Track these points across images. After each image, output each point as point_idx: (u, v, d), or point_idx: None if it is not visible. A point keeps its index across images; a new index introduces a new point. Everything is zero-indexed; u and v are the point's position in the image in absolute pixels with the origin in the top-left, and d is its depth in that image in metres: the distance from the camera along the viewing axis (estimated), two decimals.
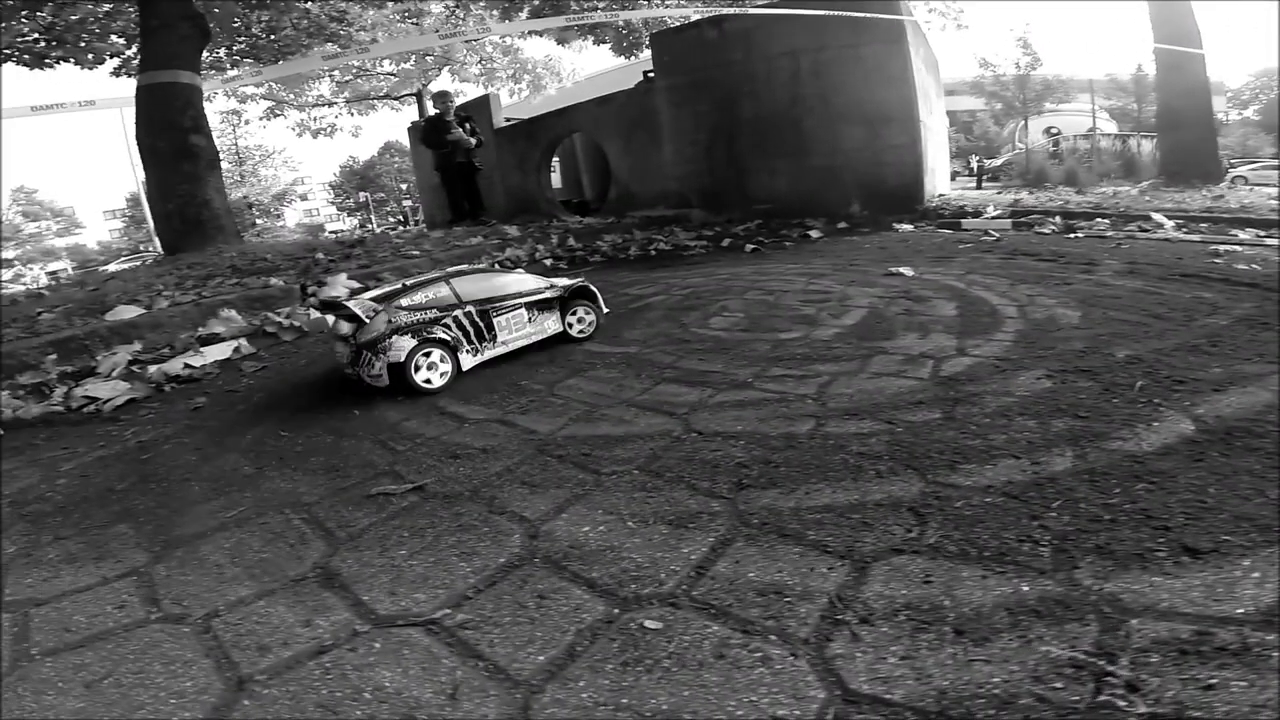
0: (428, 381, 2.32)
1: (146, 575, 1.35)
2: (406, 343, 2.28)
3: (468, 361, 2.45)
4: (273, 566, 1.32)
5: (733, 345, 2.59)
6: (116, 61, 11.68)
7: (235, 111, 28.67)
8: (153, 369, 3.09)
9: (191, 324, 3.84)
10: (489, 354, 2.53)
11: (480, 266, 3.44)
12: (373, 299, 2.39)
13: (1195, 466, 1.39)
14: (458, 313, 2.43)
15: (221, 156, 7.60)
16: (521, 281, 2.68)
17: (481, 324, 2.49)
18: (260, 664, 1.04)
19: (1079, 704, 0.83)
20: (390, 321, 2.30)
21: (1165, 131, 11.95)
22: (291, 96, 23.41)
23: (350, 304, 2.31)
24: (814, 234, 6.24)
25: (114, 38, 10.92)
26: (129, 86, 7.54)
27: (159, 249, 8.56)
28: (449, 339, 2.39)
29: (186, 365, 3.18)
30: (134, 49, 10.83)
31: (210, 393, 2.77)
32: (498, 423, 2.00)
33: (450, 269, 2.74)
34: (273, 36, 13.22)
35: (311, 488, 1.68)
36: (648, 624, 1.05)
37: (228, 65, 14.15)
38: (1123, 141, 16.49)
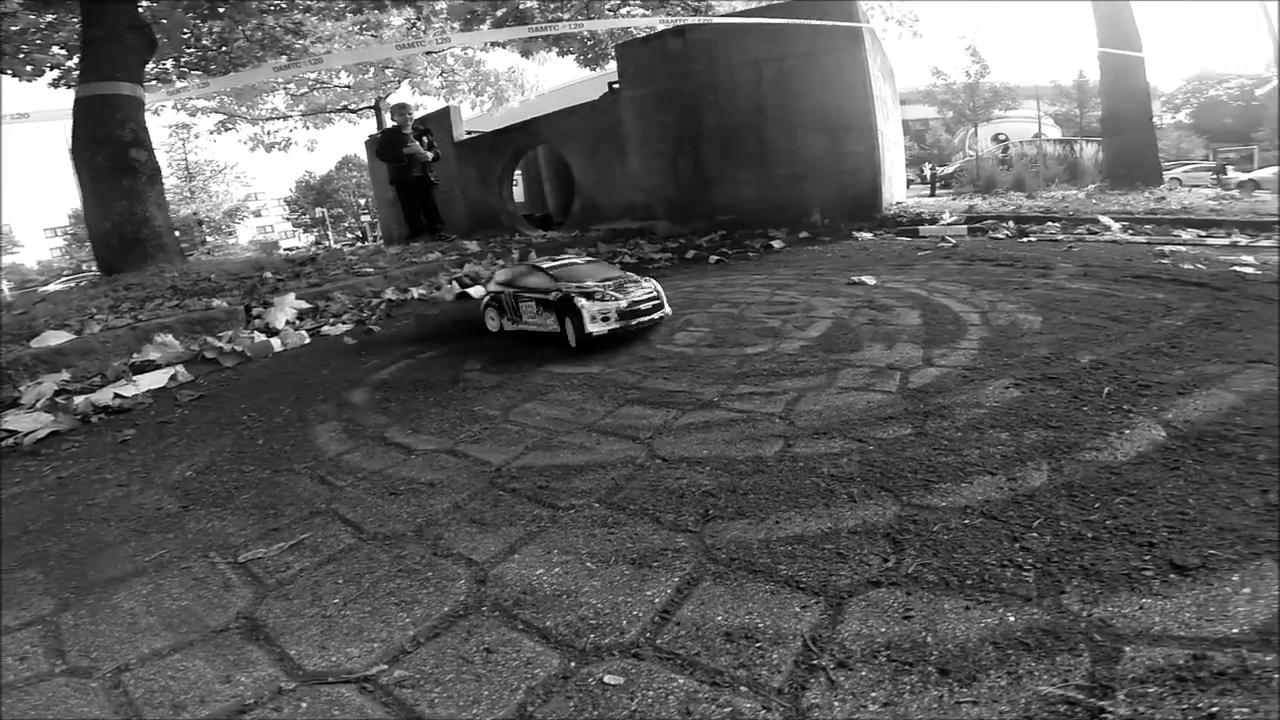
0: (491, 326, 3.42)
1: (53, 624, 1.25)
2: (484, 304, 3.46)
3: (507, 326, 3.29)
4: (192, 616, 1.22)
5: (699, 362, 2.51)
6: (56, 73, 11.17)
7: (184, 125, 27.77)
8: (79, 399, 2.88)
9: (125, 350, 3.62)
10: (518, 328, 3.21)
11: (530, 261, 4.14)
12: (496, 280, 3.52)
13: (1172, 476, 1.36)
14: (506, 292, 3.26)
15: (170, 171, 7.31)
16: (545, 278, 3.09)
17: (513, 305, 3.22)
18: None
19: None
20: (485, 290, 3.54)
21: (1110, 136, 12.31)
22: (244, 110, 22.77)
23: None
24: (777, 244, 6.25)
25: (55, 49, 10.45)
26: (69, 99, 7.18)
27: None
28: (499, 307, 3.33)
29: (117, 395, 2.97)
30: (75, 60, 10.37)
31: (140, 424, 2.59)
32: (447, 453, 1.87)
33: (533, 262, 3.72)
34: (224, 48, 12.82)
35: (241, 528, 1.56)
36: (608, 679, 0.95)
37: (174, 77, 13.68)
38: (1067, 146, 17.04)
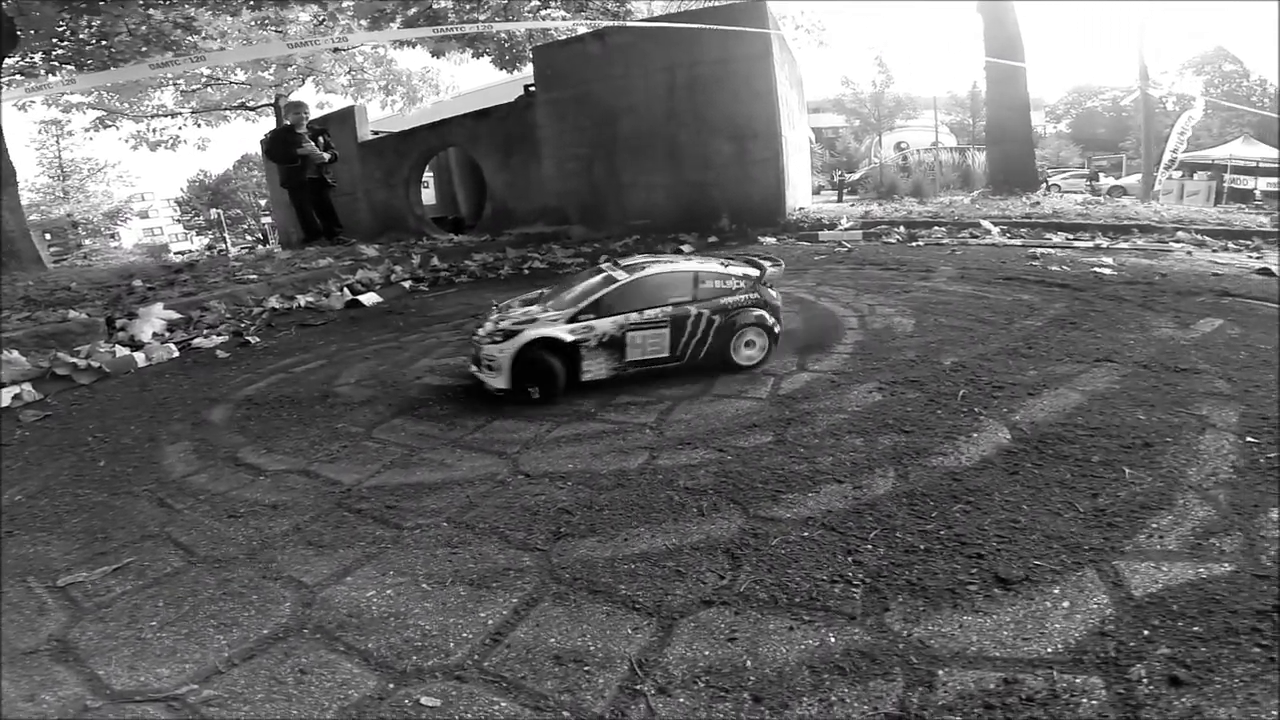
0: None
1: None
2: None
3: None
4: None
5: None
6: None
7: (56, 121, 25.38)
8: None
9: None
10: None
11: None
12: None
13: (1010, 481, 1.41)
14: None
15: (41, 170, 6.62)
16: None
17: None
18: None
19: None
20: None
21: (993, 144, 13.13)
22: (126, 106, 21.04)
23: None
24: (687, 249, 6.30)
25: None
26: None
27: None
28: None
29: None
30: None
31: None
32: (298, 474, 1.77)
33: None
34: (104, 42, 11.77)
35: (65, 553, 1.48)
36: (425, 701, 0.93)
37: (43, 71, 12.47)
38: (960, 154, 18.10)
